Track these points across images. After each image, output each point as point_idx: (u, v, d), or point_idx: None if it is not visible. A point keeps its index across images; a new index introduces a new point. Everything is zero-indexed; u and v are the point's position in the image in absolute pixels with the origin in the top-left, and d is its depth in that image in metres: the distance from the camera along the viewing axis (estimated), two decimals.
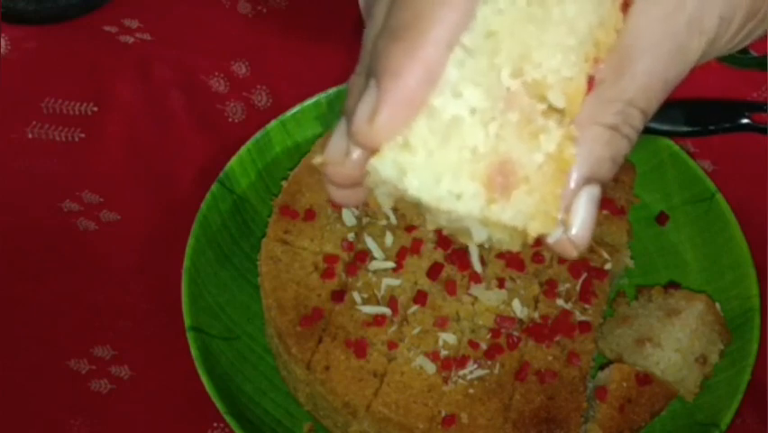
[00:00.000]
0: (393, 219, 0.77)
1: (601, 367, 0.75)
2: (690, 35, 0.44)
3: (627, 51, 0.43)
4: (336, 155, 0.43)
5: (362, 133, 0.40)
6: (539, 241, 0.40)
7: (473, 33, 0.39)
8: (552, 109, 0.39)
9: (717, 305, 0.76)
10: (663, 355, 0.73)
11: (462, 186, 0.38)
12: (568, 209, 0.41)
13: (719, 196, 0.80)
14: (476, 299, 0.74)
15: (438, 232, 0.76)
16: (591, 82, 0.41)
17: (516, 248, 0.40)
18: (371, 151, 0.40)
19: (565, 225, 0.41)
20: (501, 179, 0.38)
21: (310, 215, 0.77)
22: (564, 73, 0.39)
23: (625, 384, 0.72)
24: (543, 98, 0.39)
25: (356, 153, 0.42)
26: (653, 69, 0.44)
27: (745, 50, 0.84)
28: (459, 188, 0.38)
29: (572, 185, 0.41)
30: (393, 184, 0.39)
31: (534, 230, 0.38)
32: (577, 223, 0.42)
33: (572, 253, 0.42)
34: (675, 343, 0.73)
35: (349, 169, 0.42)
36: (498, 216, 0.37)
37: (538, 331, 0.73)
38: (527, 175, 0.38)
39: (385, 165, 0.39)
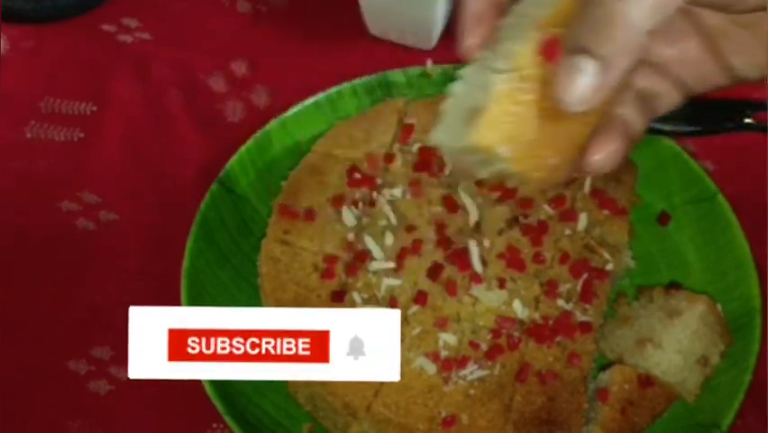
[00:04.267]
0: (393, 219, 0.77)
1: (602, 368, 0.74)
2: None
3: None
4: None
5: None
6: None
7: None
8: None
9: (719, 306, 0.75)
10: (664, 356, 0.73)
11: None
12: None
13: (721, 196, 0.80)
14: (476, 299, 0.73)
15: (439, 231, 0.76)
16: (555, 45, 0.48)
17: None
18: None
19: None
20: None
21: (310, 215, 0.77)
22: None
23: (626, 386, 0.71)
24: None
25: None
26: None
27: None
28: None
29: None
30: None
31: None
32: None
33: None
34: (676, 344, 0.73)
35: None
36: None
37: (539, 332, 0.72)
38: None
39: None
